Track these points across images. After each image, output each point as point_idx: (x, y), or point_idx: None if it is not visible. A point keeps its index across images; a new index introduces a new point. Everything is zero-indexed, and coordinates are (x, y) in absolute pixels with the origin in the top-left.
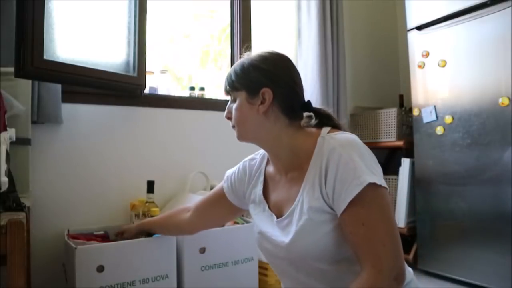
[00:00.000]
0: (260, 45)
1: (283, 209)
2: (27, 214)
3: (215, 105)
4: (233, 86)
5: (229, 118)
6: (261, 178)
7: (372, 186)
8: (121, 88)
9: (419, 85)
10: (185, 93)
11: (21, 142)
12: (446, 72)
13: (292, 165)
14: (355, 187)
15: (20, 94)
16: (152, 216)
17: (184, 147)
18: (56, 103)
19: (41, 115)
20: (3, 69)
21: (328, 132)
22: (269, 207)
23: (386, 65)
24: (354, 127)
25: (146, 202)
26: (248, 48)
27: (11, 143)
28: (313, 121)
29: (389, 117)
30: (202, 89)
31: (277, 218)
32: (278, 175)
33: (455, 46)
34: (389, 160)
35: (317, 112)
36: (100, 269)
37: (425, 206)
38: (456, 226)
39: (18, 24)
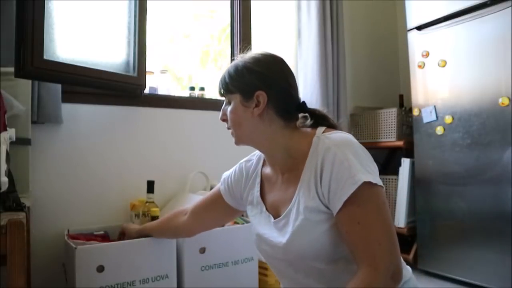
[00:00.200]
0: (260, 45)
1: (280, 209)
2: (27, 214)
3: (215, 105)
4: (227, 88)
5: (224, 120)
6: (258, 180)
7: (368, 185)
8: (121, 88)
9: (419, 85)
10: (185, 93)
11: (21, 142)
12: (446, 72)
13: (288, 166)
14: (350, 186)
15: (20, 94)
16: (152, 216)
17: (184, 147)
18: (56, 103)
19: (41, 115)
20: (3, 69)
21: (323, 132)
22: (266, 209)
23: (386, 65)
24: (354, 127)
25: (146, 202)
26: (248, 48)
27: (11, 143)
28: (309, 122)
29: (389, 117)
30: (202, 89)
31: (274, 219)
32: (275, 176)
33: (455, 46)
34: (389, 160)
35: (312, 113)
36: (100, 269)
37: (425, 206)
38: (456, 226)
39: (18, 24)
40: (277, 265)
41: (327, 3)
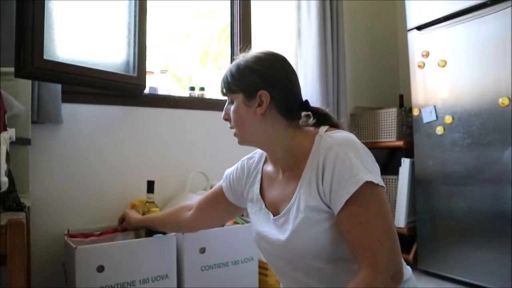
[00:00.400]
0: (260, 45)
1: (280, 207)
2: (27, 214)
3: (215, 105)
4: (229, 88)
5: (226, 119)
6: (258, 177)
7: (369, 184)
8: (121, 88)
9: (419, 85)
10: (185, 93)
11: (21, 142)
12: (446, 72)
13: (289, 164)
14: (352, 185)
15: (20, 94)
16: None
17: (184, 147)
18: (56, 103)
19: (41, 115)
20: (3, 69)
21: (326, 131)
22: (265, 206)
23: (386, 65)
24: (354, 127)
25: (146, 202)
26: (248, 48)
27: (11, 143)
28: (311, 121)
29: (389, 117)
30: (202, 89)
31: (274, 216)
32: (276, 173)
33: (455, 46)
34: (389, 160)
35: (315, 112)
36: (100, 269)
37: (425, 206)
38: (456, 226)
39: (18, 24)
40: (277, 264)
41: (327, 3)
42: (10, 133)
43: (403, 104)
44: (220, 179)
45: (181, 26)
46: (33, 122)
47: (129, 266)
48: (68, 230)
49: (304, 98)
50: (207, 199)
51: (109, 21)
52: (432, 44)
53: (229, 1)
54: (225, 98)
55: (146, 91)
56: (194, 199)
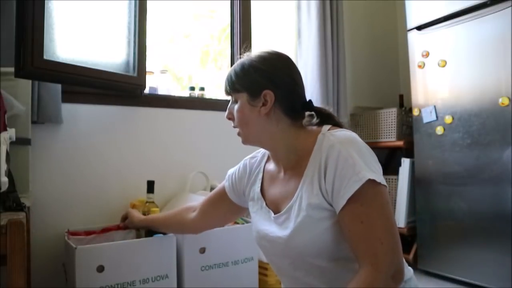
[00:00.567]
0: (260, 45)
1: (281, 205)
2: (27, 214)
3: (215, 105)
4: (233, 87)
5: (230, 118)
6: (260, 176)
7: (372, 183)
8: (121, 88)
9: (419, 85)
10: (185, 93)
11: (21, 142)
12: (446, 72)
13: (292, 162)
14: (354, 183)
15: (20, 94)
16: None
17: (184, 147)
18: (56, 103)
19: (41, 115)
20: (3, 69)
21: (329, 130)
22: (266, 204)
23: (386, 65)
24: (354, 127)
25: (146, 202)
26: (248, 47)
27: (11, 143)
28: (315, 120)
29: (389, 117)
30: (202, 89)
31: (275, 214)
32: (277, 172)
33: (455, 46)
34: (389, 160)
35: (319, 111)
36: (100, 269)
37: (425, 206)
38: (456, 226)
39: (18, 24)
40: (277, 263)
41: (327, 3)
42: (10, 133)
43: (403, 104)
44: (220, 179)
45: (181, 26)
46: (33, 122)
47: (129, 266)
48: (68, 230)
49: (307, 98)
50: (210, 200)
51: (109, 21)
52: (432, 44)
53: (229, 1)
54: (229, 97)
55: (146, 91)
56: (194, 199)
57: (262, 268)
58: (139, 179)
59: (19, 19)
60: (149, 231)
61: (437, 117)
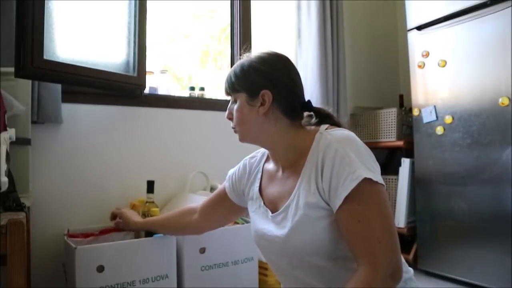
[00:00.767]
0: (260, 45)
1: (279, 204)
2: (27, 214)
3: (215, 105)
4: (233, 87)
5: (230, 118)
6: (259, 175)
7: (368, 181)
8: (121, 88)
9: (419, 85)
10: (185, 93)
11: (21, 142)
12: (446, 72)
13: (290, 161)
14: (351, 182)
15: (20, 94)
16: (152, 216)
17: (184, 147)
18: (56, 103)
19: (41, 115)
20: (3, 69)
21: (326, 129)
22: (264, 203)
23: (386, 65)
24: (354, 127)
25: (146, 202)
26: (248, 48)
27: (11, 143)
28: (314, 121)
29: (389, 117)
30: (202, 89)
31: (272, 213)
32: (276, 171)
33: (455, 46)
34: (389, 160)
35: (317, 112)
36: (100, 269)
37: (425, 206)
38: (456, 226)
39: (18, 24)
40: (276, 262)
41: (327, 3)
42: (10, 133)
43: (403, 104)
44: (220, 179)
45: (181, 26)
46: (33, 122)
47: (129, 266)
48: (68, 230)
49: (306, 98)
50: (211, 201)
51: (109, 21)
52: (432, 44)
53: (229, 1)
54: (229, 98)
55: (146, 91)
56: (194, 199)
57: (262, 268)
58: (139, 179)
59: (19, 19)
60: (148, 231)
61: (437, 117)
